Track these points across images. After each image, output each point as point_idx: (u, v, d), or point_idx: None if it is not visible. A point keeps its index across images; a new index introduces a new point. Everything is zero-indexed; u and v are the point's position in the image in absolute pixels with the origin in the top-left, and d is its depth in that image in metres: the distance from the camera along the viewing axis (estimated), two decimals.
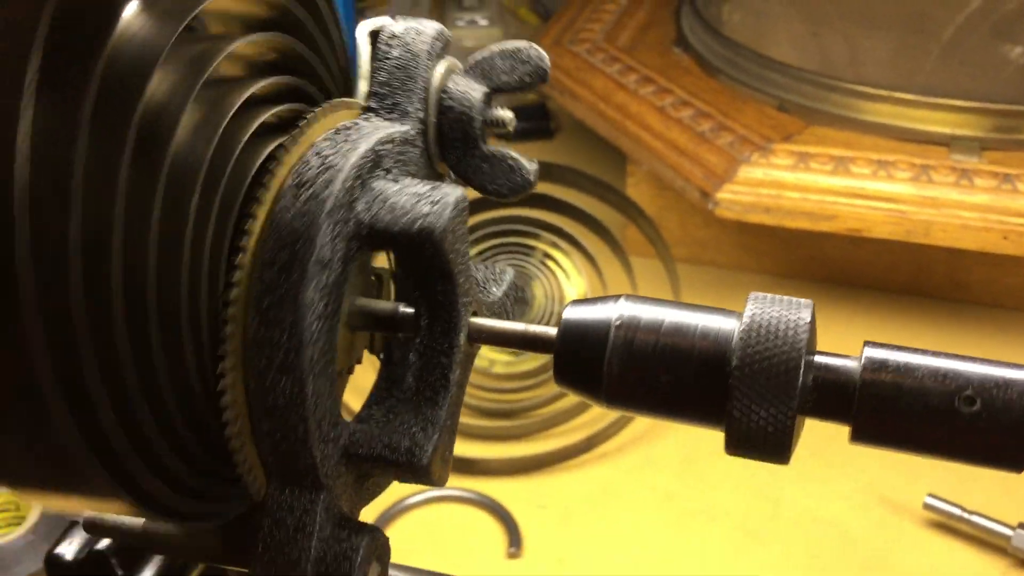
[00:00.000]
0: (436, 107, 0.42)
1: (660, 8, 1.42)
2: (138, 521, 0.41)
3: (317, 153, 0.37)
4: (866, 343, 0.37)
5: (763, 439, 0.36)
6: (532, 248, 1.11)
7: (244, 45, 0.37)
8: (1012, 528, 0.91)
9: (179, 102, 0.33)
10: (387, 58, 0.42)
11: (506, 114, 0.44)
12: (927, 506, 0.93)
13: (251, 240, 0.35)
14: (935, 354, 0.36)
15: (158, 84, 0.33)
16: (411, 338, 0.40)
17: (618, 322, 0.38)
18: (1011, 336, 1.15)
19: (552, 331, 0.39)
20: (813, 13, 1.38)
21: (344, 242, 0.35)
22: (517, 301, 1.09)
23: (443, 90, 0.43)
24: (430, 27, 0.43)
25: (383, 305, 0.41)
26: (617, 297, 0.39)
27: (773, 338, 0.35)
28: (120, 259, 0.31)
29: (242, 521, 0.39)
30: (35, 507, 0.90)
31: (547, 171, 1.18)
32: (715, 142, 1.14)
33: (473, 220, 1.12)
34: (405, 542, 0.94)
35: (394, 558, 0.98)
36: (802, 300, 0.37)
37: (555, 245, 1.11)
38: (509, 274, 0.45)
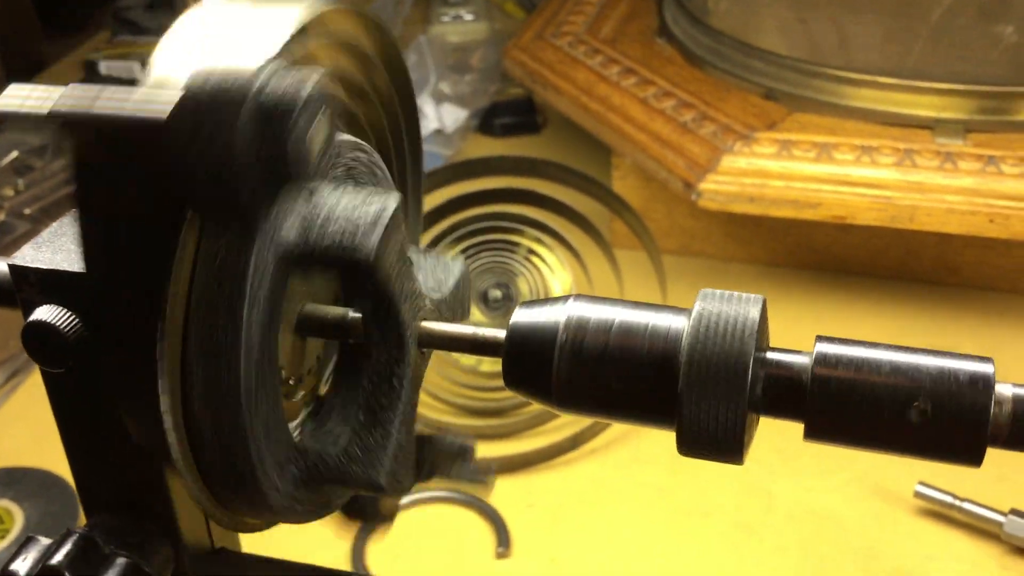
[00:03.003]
0: None
1: None
2: None
3: None
4: (818, 337, 0.36)
5: (714, 439, 0.35)
6: (516, 244, 1.10)
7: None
8: (1004, 514, 0.90)
9: None
10: None
11: None
12: (918, 494, 0.93)
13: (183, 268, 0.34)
14: (889, 347, 0.35)
15: None
16: (362, 344, 0.40)
17: (566, 324, 0.37)
18: (1005, 319, 1.14)
19: (501, 334, 0.39)
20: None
21: (273, 264, 0.34)
22: (503, 299, 1.06)
23: None
24: None
25: (332, 311, 0.41)
26: (567, 298, 0.38)
27: (722, 335, 0.35)
28: None
29: None
30: (18, 520, 0.90)
31: (531, 166, 1.17)
32: (698, 132, 1.13)
33: (456, 218, 1.11)
34: (392, 544, 0.93)
35: (381, 560, 0.97)
36: (752, 295, 0.36)
37: (539, 241, 1.10)
38: (459, 264, 0.44)
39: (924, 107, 1.09)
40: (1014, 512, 0.90)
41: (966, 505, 0.91)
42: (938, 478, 0.93)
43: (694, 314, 0.35)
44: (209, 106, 0.31)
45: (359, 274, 0.35)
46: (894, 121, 1.10)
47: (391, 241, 0.36)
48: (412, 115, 0.47)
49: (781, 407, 0.35)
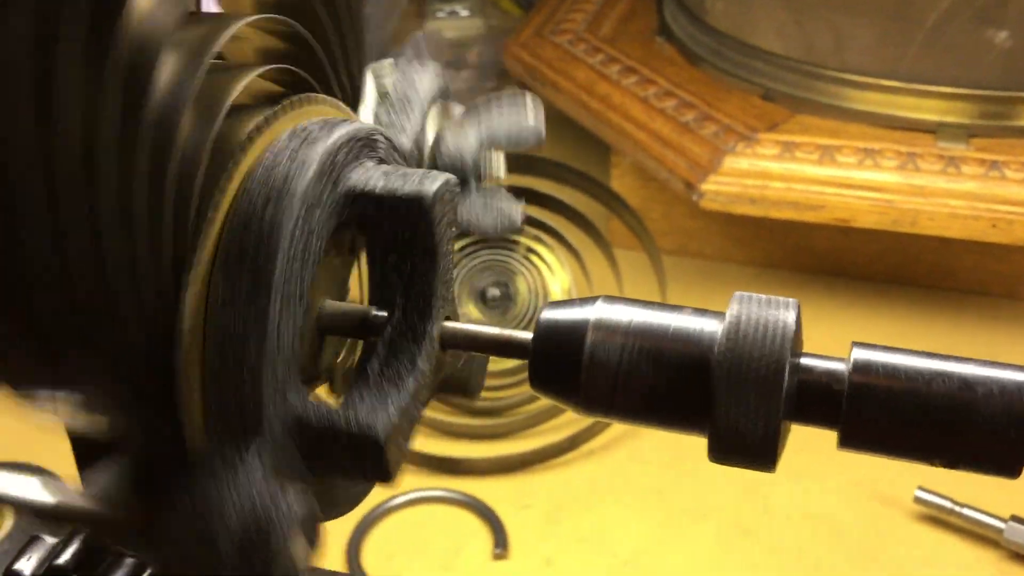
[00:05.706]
0: (429, 162, 0.43)
1: None
2: (48, 498, 0.38)
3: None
4: (854, 344, 0.35)
5: (748, 446, 0.34)
6: (515, 243, 1.10)
7: (249, 28, 0.36)
8: (1004, 520, 0.89)
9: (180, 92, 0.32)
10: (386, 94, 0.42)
11: (499, 168, 0.44)
12: (918, 499, 0.92)
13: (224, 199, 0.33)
14: (926, 355, 0.34)
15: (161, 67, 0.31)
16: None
17: (596, 325, 0.36)
18: (1000, 324, 1.14)
19: (527, 335, 0.38)
20: (797, 0, 1.36)
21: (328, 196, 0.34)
22: (502, 297, 1.04)
23: (436, 145, 0.43)
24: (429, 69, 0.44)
25: (354, 308, 0.40)
26: (595, 298, 0.37)
27: (757, 340, 0.34)
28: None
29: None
30: (8, 517, 0.88)
31: (529, 164, 1.17)
32: (699, 132, 1.12)
33: None
34: (389, 544, 0.92)
35: (376, 560, 0.96)
36: (787, 299, 0.35)
37: (538, 239, 1.09)
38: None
39: (927, 111, 1.09)
40: (1014, 518, 0.89)
41: (965, 511, 0.91)
42: (938, 483, 0.92)
43: (728, 317, 0.35)
44: None
45: (410, 217, 0.36)
46: (897, 125, 1.10)
47: (447, 197, 0.37)
48: None
49: (816, 415, 0.34)
